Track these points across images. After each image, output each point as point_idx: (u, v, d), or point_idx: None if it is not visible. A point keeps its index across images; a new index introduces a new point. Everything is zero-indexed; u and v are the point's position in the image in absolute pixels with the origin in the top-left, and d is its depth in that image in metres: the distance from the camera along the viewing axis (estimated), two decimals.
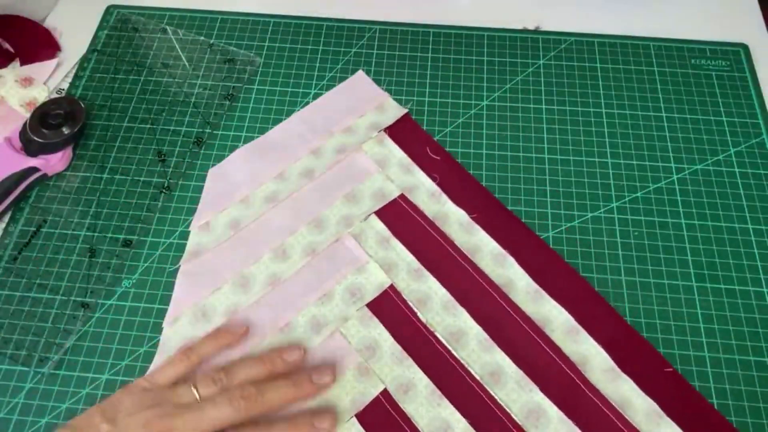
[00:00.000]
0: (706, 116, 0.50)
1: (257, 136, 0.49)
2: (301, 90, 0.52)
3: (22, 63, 0.53)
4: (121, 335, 0.41)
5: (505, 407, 0.38)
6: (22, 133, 0.47)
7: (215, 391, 0.36)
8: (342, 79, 0.52)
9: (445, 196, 0.46)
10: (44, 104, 0.48)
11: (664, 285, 0.43)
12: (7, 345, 0.41)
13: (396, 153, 0.48)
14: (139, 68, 0.53)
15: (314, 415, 0.37)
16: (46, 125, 0.47)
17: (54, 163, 0.47)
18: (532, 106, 0.51)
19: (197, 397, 0.35)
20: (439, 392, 0.39)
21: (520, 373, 0.39)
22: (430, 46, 0.54)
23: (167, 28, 0.55)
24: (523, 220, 0.45)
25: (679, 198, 0.46)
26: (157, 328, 0.41)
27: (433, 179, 0.47)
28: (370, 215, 0.45)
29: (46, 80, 0.53)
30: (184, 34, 0.55)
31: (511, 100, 0.51)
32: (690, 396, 0.39)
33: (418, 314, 0.42)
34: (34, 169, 0.46)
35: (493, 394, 0.39)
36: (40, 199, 0.47)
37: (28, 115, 0.48)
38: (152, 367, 0.40)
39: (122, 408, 0.35)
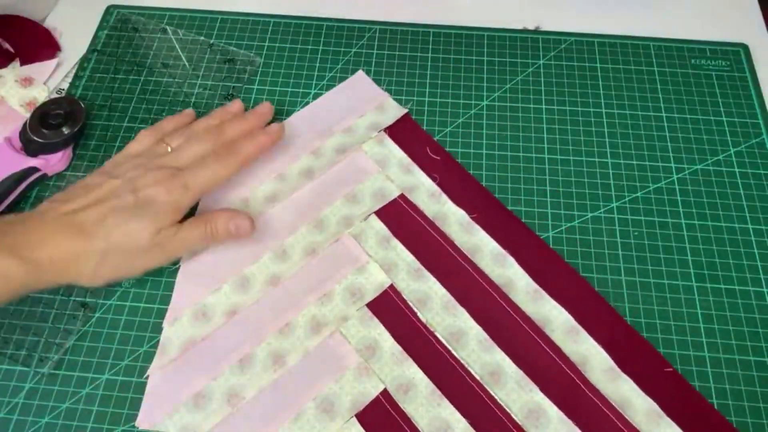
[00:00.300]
0: (706, 116, 0.50)
1: None
2: (301, 90, 0.52)
3: (22, 63, 0.53)
4: (121, 335, 0.41)
5: (505, 407, 0.38)
6: (22, 133, 0.47)
7: (183, 140, 0.43)
8: (342, 79, 0.52)
9: (445, 196, 0.46)
10: (44, 104, 0.48)
11: (664, 285, 0.43)
12: (7, 345, 0.41)
13: (396, 153, 0.48)
14: (139, 68, 0.53)
15: (259, 110, 0.46)
16: (46, 125, 0.47)
17: (54, 163, 0.47)
18: (532, 106, 0.51)
19: (169, 149, 0.42)
20: (439, 392, 0.39)
21: (520, 373, 0.39)
22: (430, 46, 0.54)
23: (167, 28, 0.55)
24: (523, 220, 0.45)
25: (679, 198, 0.46)
26: (157, 328, 0.41)
27: (433, 179, 0.47)
28: (370, 215, 0.45)
29: (46, 80, 0.53)
30: (184, 34, 0.55)
31: (511, 100, 0.51)
32: (690, 396, 0.39)
33: (418, 314, 0.42)
34: (34, 169, 0.46)
35: (493, 394, 0.39)
36: (40, 199, 0.47)
37: (28, 115, 0.48)
38: (152, 367, 0.40)
39: (108, 168, 0.42)
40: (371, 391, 0.39)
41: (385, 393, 0.39)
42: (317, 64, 0.53)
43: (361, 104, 0.51)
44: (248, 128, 0.44)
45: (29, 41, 0.54)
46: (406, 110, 0.50)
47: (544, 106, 0.51)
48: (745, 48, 0.54)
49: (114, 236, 0.38)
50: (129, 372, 0.40)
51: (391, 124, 0.49)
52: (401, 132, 0.49)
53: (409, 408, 0.38)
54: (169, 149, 0.42)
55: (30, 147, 0.46)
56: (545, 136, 0.49)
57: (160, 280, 0.43)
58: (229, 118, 0.45)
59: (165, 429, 0.38)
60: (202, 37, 0.55)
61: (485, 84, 0.52)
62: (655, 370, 0.40)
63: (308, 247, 0.44)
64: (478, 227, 0.45)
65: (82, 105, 0.49)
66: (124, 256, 0.39)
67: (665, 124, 0.50)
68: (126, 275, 0.40)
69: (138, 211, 0.38)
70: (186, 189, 0.40)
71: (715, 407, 0.39)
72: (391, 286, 0.43)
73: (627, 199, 0.46)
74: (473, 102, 0.51)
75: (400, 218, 0.45)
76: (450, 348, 0.40)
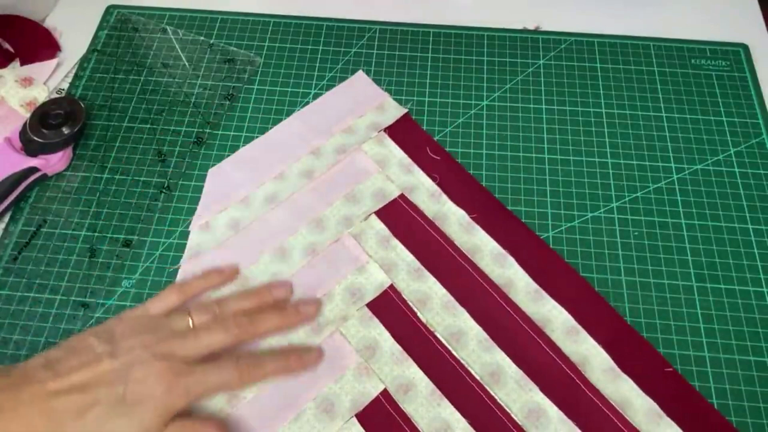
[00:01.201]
0: (706, 116, 0.50)
1: (257, 136, 0.49)
2: (301, 90, 0.52)
3: (22, 63, 0.53)
4: None
5: (505, 407, 0.38)
6: (22, 133, 0.47)
7: (209, 319, 0.36)
8: (342, 79, 0.52)
9: (445, 196, 0.46)
10: (44, 104, 0.48)
11: (664, 285, 0.43)
12: (7, 345, 0.41)
13: (396, 153, 0.48)
14: (139, 68, 0.53)
15: (300, 304, 0.38)
16: (46, 125, 0.47)
17: (54, 163, 0.47)
18: (532, 106, 0.51)
19: (191, 324, 0.36)
20: (439, 392, 0.39)
21: (520, 373, 0.39)
22: (430, 46, 0.54)
23: (167, 28, 0.55)
24: (523, 220, 0.45)
25: (679, 198, 0.46)
26: None
27: (433, 179, 0.47)
28: (370, 215, 0.45)
29: (46, 80, 0.53)
30: (184, 34, 0.55)
31: (511, 100, 0.51)
32: (690, 396, 0.39)
33: (418, 314, 0.42)
34: (34, 169, 0.46)
35: (493, 394, 0.39)
36: (40, 199, 0.47)
37: (28, 115, 0.48)
38: None
39: (117, 332, 0.35)
40: (371, 391, 0.39)
41: (385, 393, 0.39)
42: (317, 64, 0.53)
43: (361, 104, 0.51)
44: (284, 326, 0.38)
45: (29, 41, 0.54)
46: (405, 110, 0.50)
47: (544, 106, 0.51)
48: (745, 48, 0.54)
49: None
50: None
51: (391, 124, 0.49)
52: (401, 132, 0.49)
53: (409, 408, 0.38)
54: (191, 323, 0.36)
55: (30, 147, 0.46)
56: (545, 136, 0.49)
57: (160, 280, 0.43)
58: (266, 307, 0.38)
59: None
60: (202, 37, 0.55)
61: (485, 84, 0.52)
62: (655, 370, 0.40)
63: (308, 247, 0.44)
64: (478, 227, 0.45)
65: (82, 105, 0.49)
66: None
67: (665, 124, 0.50)
68: None
69: (124, 409, 0.33)
70: (187, 393, 0.34)
71: (715, 407, 0.39)
72: (391, 286, 0.43)
73: (627, 199, 0.46)
74: (473, 102, 0.51)
75: (400, 218, 0.45)
76: (450, 348, 0.40)
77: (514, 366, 0.40)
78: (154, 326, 0.36)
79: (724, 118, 0.50)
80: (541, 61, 0.53)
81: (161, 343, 0.34)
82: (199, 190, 0.47)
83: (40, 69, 0.53)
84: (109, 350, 0.34)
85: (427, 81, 0.52)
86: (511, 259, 0.43)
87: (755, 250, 0.44)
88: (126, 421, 0.32)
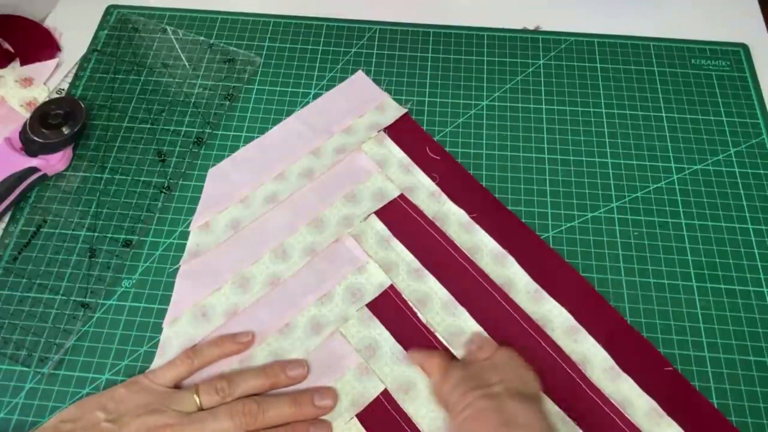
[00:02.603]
0: (706, 116, 0.50)
1: (257, 136, 0.49)
2: (301, 90, 0.52)
3: (22, 63, 0.53)
4: (121, 335, 0.41)
5: None
6: (22, 133, 0.47)
7: (217, 400, 0.36)
8: (342, 79, 0.52)
9: (444, 196, 0.46)
10: (44, 104, 0.48)
11: (664, 285, 0.43)
12: (7, 345, 0.41)
13: (396, 153, 0.48)
14: (139, 68, 0.53)
15: (315, 393, 0.37)
16: (46, 125, 0.47)
17: (54, 163, 0.47)
18: (532, 106, 0.51)
19: (198, 405, 0.36)
20: None
21: None
22: (430, 46, 0.54)
23: (167, 28, 0.55)
24: (523, 220, 0.45)
25: (679, 198, 0.46)
26: (157, 328, 0.41)
27: (433, 179, 0.47)
28: (370, 215, 0.45)
29: (46, 80, 0.53)
30: (184, 34, 0.55)
31: (511, 100, 0.51)
32: (690, 395, 0.39)
33: (418, 314, 0.42)
34: (34, 169, 0.46)
35: None
36: (40, 199, 0.47)
37: (28, 115, 0.48)
38: (152, 367, 0.40)
39: (123, 407, 0.35)
40: (371, 391, 0.39)
41: (385, 393, 0.39)
42: (317, 64, 0.53)
43: (360, 104, 0.51)
44: (295, 420, 0.37)
45: (29, 41, 0.54)
46: (405, 110, 0.50)
47: (544, 106, 0.51)
48: (745, 48, 0.54)
49: None
50: (129, 372, 0.40)
51: (391, 124, 0.49)
52: (401, 132, 0.49)
53: (410, 408, 0.38)
54: (198, 401, 0.36)
55: (30, 147, 0.46)
56: (545, 136, 0.49)
57: (160, 280, 0.43)
58: (280, 387, 0.38)
59: None
60: (202, 37, 0.55)
61: (485, 84, 0.52)
62: (656, 369, 0.40)
63: (308, 247, 0.44)
64: (478, 227, 0.45)
65: (82, 105, 0.49)
66: None
67: (665, 124, 0.50)
68: None
69: None
70: None
71: (715, 407, 0.39)
72: (391, 286, 0.43)
73: (627, 199, 0.46)
74: (473, 102, 0.51)
75: (400, 218, 0.45)
76: (450, 348, 0.40)
77: None
78: (159, 404, 0.35)
79: (724, 118, 0.50)
80: (541, 61, 0.53)
81: (166, 427, 0.34)
82: (199, 190, 0.47)
83: (40, 69, 0.53)
84: (112, 430, 0.34)
85: (427, 81, 0.52)
86: (511, 259, 0.43)
87: (755, 250, 0.44)
88: None
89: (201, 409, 0.36)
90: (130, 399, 0.35)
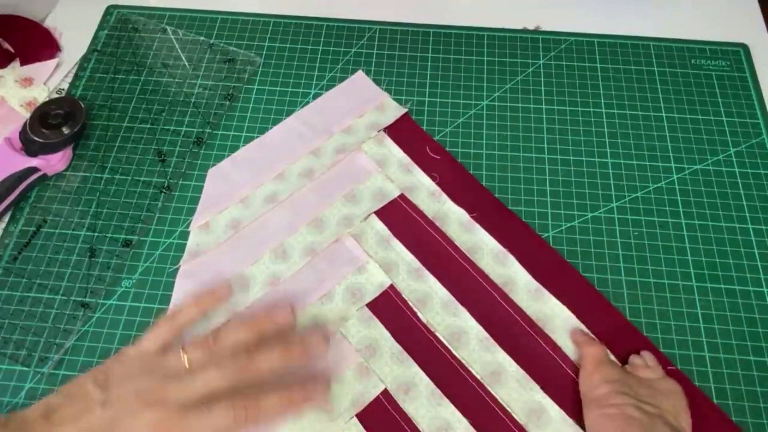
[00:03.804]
0: (706, 116, 0.50)
1: (257, 136, 0.49)
2: (301, 90, 0.52)
3: (22, 63, 0.53)
4: (121, 335, 0.41)
5: (506, 406, 0.38)
6: (22, 133, 0.47)
7: (204, 355, 0.35)
8: (342, 79, 0.52)
9: (445, 196, 0.46)
10: (44, 104, 0.48)
11: (664, 285, 0.43)
12: (7, 345, 0.41)
13: (396, 153, 0.48)
14: (139, 68, 0.53)
15: (306, 337, 0.36)
16: (46, 125, 0.47)
17: (54, 163, 0.47)
18: (532, 106, 0.51)
19: (186, 363, 0.35)
20: (439, 392, 0.39)
21: (521, 372, 0.39)
22: (430, 46, 0.54)
23: (167, 28, 0.55)
24: (522, 220, 0.45)
25: (679, 198, 0.46)
26: None
27: (433, 179, 0.47)
28: (370, 215, 0.45)
29: (46, 80, 0.53)
30: (184, 34, 0.55)
31: (511, 100, 0.51)
32: (691, 394, 0.39)
33: (418, 314, 0.42)
34: (34, 169, 0.46)
35: (494, 393, 0.39)
36: (40, 199, 0.47)
37: (28, 115, 0.48)
38: None
39: (113, 376, 0.35)
40: (372, 390, 0.39)
41: (385, 393, 0.39)
42: (317, 64, 0.53)
43: (360, 104, 0.51)
44: (286, 363, 0.36)
45: (29, 41, 0.54)
46: (405, 110, 0.50)
47: (544, 106, 0.51)
48: (745, 48, 0.54)
49: None
50: None
51: (391, 123, 0.49)
52: (401, 132, 0.49)
53: (410, 408, 0.38)
54: (185, 361, 0.35)
55: (30, 147, 0.46)
56: (545, 136, 0.49)
57: (160, 280, 0.43)
58: (269, 337, 0.37)
59: None
60: (202, 37, 0.55)
61: (485, 84, 0.52)
62: None
63: (308, 247, 0.44)
64: (478, 226, 0.45)
65: (82, 105, 0.49)
66: None
67: (665, 124, 0.50)
68: None
69: None
70: None
71: (718, 406, 0.39)
72: (391, 286, 0.43)
73: (627, 199, 0.46)
74: (473, 102, 0.51)
75: (400, 218, 0.45)
76: (450, 347, 0.40)
77: (515, 365, 0.40)
78: (149, 368, 0.35)
79: (724, 118, 0.50)
80: (541, 61, 0.53)
81: (155, 388, 0.34)
82: (199, 190, 0.47)
83: (40, 69, 0.53)
84: (103, 399, 0.33)
85: (427, 81, 0.52)
86: (512, 258, 0.43)
87: (755, 250, 0.44)
88: None
89: (189, 366, 0.35)
90: (119, 368, 0.35)
